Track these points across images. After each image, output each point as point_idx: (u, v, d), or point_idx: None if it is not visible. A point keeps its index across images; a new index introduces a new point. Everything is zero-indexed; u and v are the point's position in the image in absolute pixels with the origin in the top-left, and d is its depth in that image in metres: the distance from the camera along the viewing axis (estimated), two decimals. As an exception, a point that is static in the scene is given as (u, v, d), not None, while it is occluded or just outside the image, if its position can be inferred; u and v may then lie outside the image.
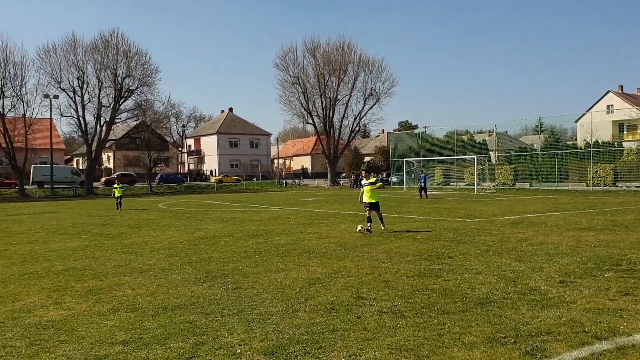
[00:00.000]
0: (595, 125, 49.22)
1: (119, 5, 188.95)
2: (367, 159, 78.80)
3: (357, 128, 72.85)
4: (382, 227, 15.85)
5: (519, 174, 49.04)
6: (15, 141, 53.04)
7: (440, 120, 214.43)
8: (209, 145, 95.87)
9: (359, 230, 15.02)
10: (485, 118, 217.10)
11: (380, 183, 16.65)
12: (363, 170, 19.13)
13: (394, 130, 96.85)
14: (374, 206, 15.80)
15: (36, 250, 13.65)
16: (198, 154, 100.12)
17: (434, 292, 7.85)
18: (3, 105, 52.56)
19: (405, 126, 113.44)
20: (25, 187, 54.97)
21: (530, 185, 46.32)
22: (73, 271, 10.47)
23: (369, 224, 15.40)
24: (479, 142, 62.40)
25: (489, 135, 72.93)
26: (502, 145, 62.56)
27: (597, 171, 43.13)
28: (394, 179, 58.20)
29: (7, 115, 53.12)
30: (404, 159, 52.71)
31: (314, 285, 8.53)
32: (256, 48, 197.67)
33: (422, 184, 35.71)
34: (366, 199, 15.92)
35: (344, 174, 76.35)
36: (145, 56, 59.48)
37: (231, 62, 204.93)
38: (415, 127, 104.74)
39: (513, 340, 5.64)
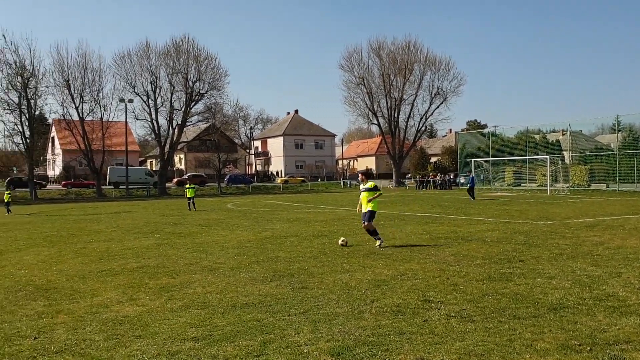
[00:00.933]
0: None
1: (189, 10, 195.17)
2: (433, 159, 77.57)
3: (424, 128, 71.93)
4: (377, 245, 12.83)
5: (595, 174, 46.88)
6: (93, 144, 55.79)
7: (510, 119, 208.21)
8: (275, 146, 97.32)
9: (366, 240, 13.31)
10: (558, 117, 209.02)
11: (380, 192, 13.33)
12: (359, 172, 14.99)
13: (462, 130, 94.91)
14: (367, 216, 13.08)
15: (112, 248, 14.30)
16: (265, 155, 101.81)
17: (505, 297, 7.63)
18: (82, 109, 55.49)
19: (474, 125, 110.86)
20: (102, 187, 57.67)
21: (607, 187, 44.19)
22: (147, 269, 10.90)
23: (377, 238, 13.01)
24: (552, 141, 60.08)
25: (563, 135, 70.05)
26: (576, 145, 60.05)
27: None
28: (461, 179, 57.03)
29: (86, 119, 55.95)
30: (473, 159, 51.54)
31: (380, 287, 8.49)
32: (321, 50, 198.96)
33: (471, 185, 35.27)
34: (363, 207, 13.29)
35: (409, 175, 75.52)
36: (215, 60, 61.19)
37: (297, 64, 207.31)
38: (485, 126, 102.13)
39: (589, 348, 5.40)
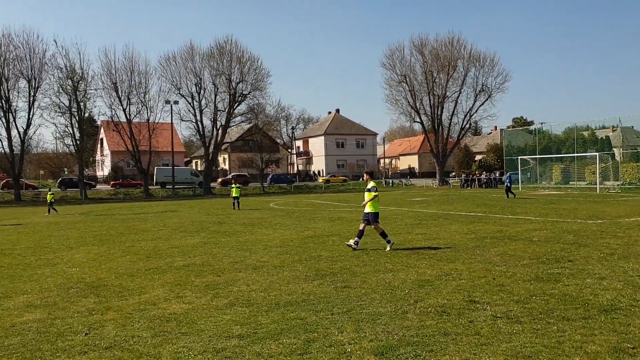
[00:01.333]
0: None
1: (232, 11, 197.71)
2: (478, 157, 76.33)
3: (468, 125, 70.72)
4: (388, 247, 12.46)
5: (648, 172, 45.14)
6: (140, 144, 57.24)
7: (558, 115, 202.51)
8: (317, 146, 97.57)
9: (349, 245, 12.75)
10: (608, 112, 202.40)
11: (376, 193, 12.88)
12: (365, 172, 14.74)
13: (508, 127, 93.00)
14: (369, 217, 12.86)
15: (160, 247, 14.63)
16: (306, 155, 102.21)
17: (553, 298, 7.44)
18: (129, 111, 57.01)
19: (520, 122, 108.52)
20: (149, 187, 59.06)
21: (661, 185, 42.50)
22: (193, 267, 11.11)
23: (387, 241, 12.60)
24: (601, 138, 58.27)
25: (613, 131, 67.79)
26: (627, 142, 57.90)
27: None
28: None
29: (133, 120, 57.45)
30: (519, 157, 50.43)
31: (424, 287, 8.41)
32: (362, 48, 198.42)
33: (508, 184, 34.81)
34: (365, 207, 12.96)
35: (453, 173, 74.49)
36: (257, 61, 61.83)
37: (338, 63, 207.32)
38: (531, 123, 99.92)
39: (643, 352, 5.21)
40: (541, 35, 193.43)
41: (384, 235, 12.81)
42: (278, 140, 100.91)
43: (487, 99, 66.04)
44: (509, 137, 64.12)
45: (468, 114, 67.31)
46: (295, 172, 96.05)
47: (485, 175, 59.86)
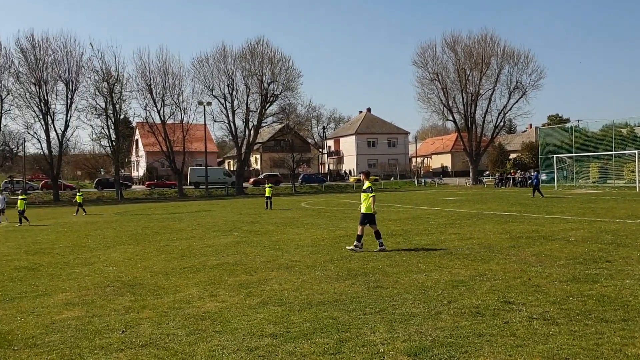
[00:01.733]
0: None
1: (263, 11, 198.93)
2: (512, 155, 75.07)
3: (502, 123, 69.63)
4: (379, 247, 12.45)
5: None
6: (175, 145, 58.09)
7: (595, 112, 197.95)
8: (348, 145, 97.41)
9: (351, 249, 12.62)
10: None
11: (373, 194, 12.85)
12: (361, 172, 14.39)
13: (543, 125, 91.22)
14: (366, 218, 12.79)
15: (193, 246, 14.83)
16: (337, 155, 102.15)
17: (591, 299, 7.27)
18: (164, 112, 57.91)
19: (556, 120, 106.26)
20: (183, 187, 59.89)
21: None
22: (226, 266, 11.22)
23: (356, 243, 12.67)
24: (641, 135, 56.58)
25: (653, 128, 65.83)
26: (668, 139, 56.12)
27: None
28: (543, 176, 54.84)
29: (167, 121, 58.34)
30: (555, 155, 49.42)
31: (457, 287, 8.31)
32: (393, 46, 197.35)
33: (535, 183, 34.70)
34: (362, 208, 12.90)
35: (487, 172, 73.42)
36: (288, 61, 62.06)
37: (369, 62, 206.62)
38: (567, 120, 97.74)
39: (687, 356, 5.05)
40: (577, 30, 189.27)
41: (378, 236, 12.68)
42: (309, 140, 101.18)
43: (521, 97, 64.90)
44: (544, 135, 62.86)
45: (502, 112, 66.28)
46: (326, 171, 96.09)
47: (520, 174, 58.84)
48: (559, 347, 5.43)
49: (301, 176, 73.71)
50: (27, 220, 25.68)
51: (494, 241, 13.43)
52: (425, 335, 5.97)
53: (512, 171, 62.68)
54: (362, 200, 13.06)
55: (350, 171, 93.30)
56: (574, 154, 50.16)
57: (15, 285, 9.93)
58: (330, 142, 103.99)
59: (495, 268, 9.78)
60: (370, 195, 12.86)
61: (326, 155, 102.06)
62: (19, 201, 25.92)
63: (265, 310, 7.35)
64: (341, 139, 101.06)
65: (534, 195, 33.60)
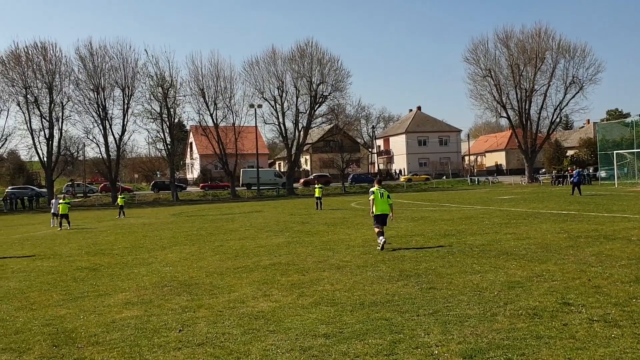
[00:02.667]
0: None
1: (312, 13, 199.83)
2: (570, 152, 72.72)
3: (558, 119, 67.48)
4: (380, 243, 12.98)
5: None
6: (227, 148, 59.24)
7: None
8: (398, 144, 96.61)
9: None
10: None
11: (371, 197, 13.47)
12: (376, 180, 14.92)
13: (602, 120, 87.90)
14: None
15: (246, 246, 15.05)
16: (387, 154, 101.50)
17: (656, 301, 6.96)
18: (216, 115, 59.11)
19: (615, 115, 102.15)
20: (236, 188, 60.90)
21: None
22: (278, 266, 11.34)
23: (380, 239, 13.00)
24: None
25: None
26: None
27: None
28: (602, 174, 52.87)
29: (220, 124, 59.46)
30: (614, 152, 47.53)
31: (514, 288, 8.12)
32: (443, 43, 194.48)
33: (575, 181, 33.65)
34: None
35: (543, 170, 71.32)
36: (337, 62, 62.23)
37: (419, 59, 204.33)
38: (627, 115, 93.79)
39: None
40: (636, 20, 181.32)
41: (381, 234, 13.02)
42: (358, 140, 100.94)
43: (578, 91, 62.76)
44: (603, 131, 60.52)
45: (558, 108, 64.26)
46: (376, 171, 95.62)
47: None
48: (622, 350, 5.23)
49: (351, 176, 73.61)
50: (69, 224, 25.42)
51: (551, 241, 13.04)
52: (481, 337, 5.86)
53: (569, 168, 60.66)
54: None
55: (400, 170, 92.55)
56: (635, 150, 48.09)
57: (78, 285, 10.33)
58: (379, 142, 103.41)
59: (553, 269, 9.50)
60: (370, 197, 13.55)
61: (376, 154, 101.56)
62: (60, 206, 25.61)
63: (317, 310, 7.38)
64: (391, 138, 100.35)
65: (580, 193, 32.41)
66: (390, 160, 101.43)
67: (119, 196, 35.91)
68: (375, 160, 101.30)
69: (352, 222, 21.50)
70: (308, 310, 7.41)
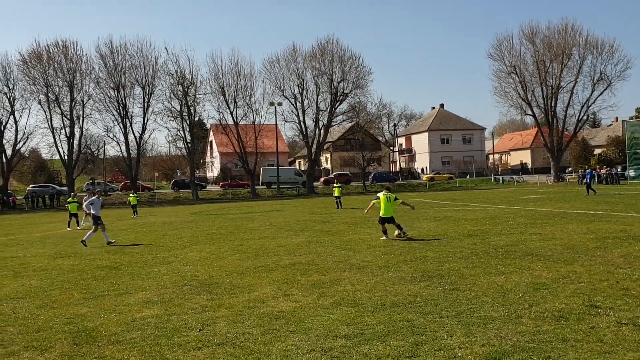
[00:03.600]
0: None
1: (332, 9, 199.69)
2: (597, 151, 71.61)
3: (585, 117, 66.44)
4: (383, 237, 15.23)
5: None
6: (247, 146, 59.47)
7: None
8: (420, 143, 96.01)
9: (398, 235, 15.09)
10: None
11: (374, 200, 16.21)
12: (385, 187, 17.20)
13: (631, 118, 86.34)
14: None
15: (266, 245, 15.11)
16: (409, 152, 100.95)
17: (688, 305, 6.82)
18: (236, 114, 59.39)
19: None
20: (256, 187, 61.15)
21: None
22: (299, 265, 11.37)
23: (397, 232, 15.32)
24: None
25: None
26: None
27: None
28: (631, 172, 51.96)
29: (240, 122, 59.75)
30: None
31: (539, 290, 8.03)
32: (466, 39, 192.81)
33: (587, 181, 33.96)
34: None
35: (570, 169, 70.34)
36: (358, 59, 62.09)
37: (441, 56, 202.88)
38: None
39: None
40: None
41: (384, 233, 15.22)
42: (380, 138, 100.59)
43: (606, 88, 61.69)
44: (632, 129, 59.44)
45: (585, 105, 63.24)
46: (397, 170, 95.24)
47: (606, 170, 56.02)
48: (652, 355, 5.14)
49: (372, 175, 73.42)
50: (78, 224, 25.36)
51: (578, 242, 12.86)
52: (505, 339, 5.81)
53: (597, 167, 59.79)
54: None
55: (422, 169, 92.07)
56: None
57: (98, 284, 10.48)
58: (401, 140, 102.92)
59: (579, 270, 9.37)
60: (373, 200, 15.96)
61: (397, 153, 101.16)
62: (70, 205, 25.53)
63: (338, 311, 7.39)
64: (413, 136, 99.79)
65: (588, 193, 32.53)
66: (412, 158, 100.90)
67: (131, 195, 36.23)
68: (397, 158, 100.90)
69: (374, 221, 21.40)
70: (329, 311, 7.42)
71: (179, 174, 78.08)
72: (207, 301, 8.45)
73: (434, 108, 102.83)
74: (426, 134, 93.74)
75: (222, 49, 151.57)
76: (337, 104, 61.82)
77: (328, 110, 61.76)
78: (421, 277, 9.48)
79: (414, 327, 6.47)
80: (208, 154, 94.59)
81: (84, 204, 19.57)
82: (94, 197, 18.43)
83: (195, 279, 10.43)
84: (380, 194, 15.65)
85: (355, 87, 61.68)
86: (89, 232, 17.66)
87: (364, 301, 7.89)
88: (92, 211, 17.87)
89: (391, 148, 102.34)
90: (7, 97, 55.73)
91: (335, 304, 7.82)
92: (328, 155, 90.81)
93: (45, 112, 56.59)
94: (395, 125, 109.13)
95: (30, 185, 64.46)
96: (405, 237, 15.02)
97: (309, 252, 13.29)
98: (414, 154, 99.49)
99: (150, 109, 57.90)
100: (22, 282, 11.04)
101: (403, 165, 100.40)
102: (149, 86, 57.24)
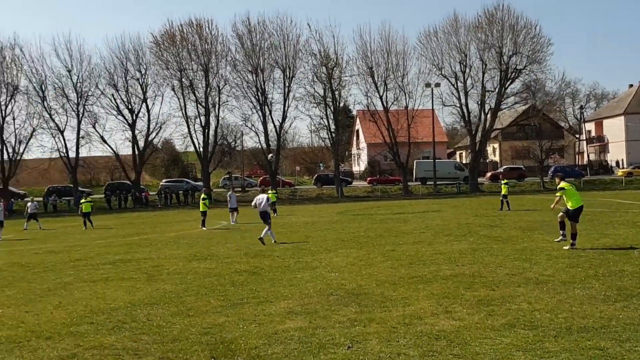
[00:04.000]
0: None
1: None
2: None
3: None
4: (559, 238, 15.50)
5: None
6: (398, 135, 59.51)
7: None
8: (614, 129, 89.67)
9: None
10: None
11: (557, 194, 15.82)
12: (556, 176, 17.27)
13: None
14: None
15: (422, 252, 15.09)
16: (600, 141, 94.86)
17: None
18: (386, 98, 59.63)
19: None
20: (408, 183, 61.03)
21: None
22: (462, 277, 11.22)
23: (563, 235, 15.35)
24: None
25: None
26: None
27: None
28: None
29: (390, 108, 59.91)
30: None
31: None
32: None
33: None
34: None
35: None
36: (535, 28, 59.35)
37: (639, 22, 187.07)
38: None
39: None
40: None
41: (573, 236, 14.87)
42: (562, 124, 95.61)
43: None
44: None
45: None
46: (585, 163, 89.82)
47: None
48: None
49: (552, 169, 69.92)
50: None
51: None
52: None
53: None
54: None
55: (617, 162, 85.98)
56: None
57: (237, 290, 11.14)
58: (589, 126, 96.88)
59: None
60: (558, 194, 15.55)
61: (585, 142, 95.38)
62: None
63: (512, 334, 7.19)
64: (605, 121, 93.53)
65: None
66: (603, 149, 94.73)
67: (269, 192, 35.35)
68: (585, 148, 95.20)
69: (555, 226, 20.44)
70: (500, 333, 7.25)
71: (322, 168, 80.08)
72: (356, 314, 8.63)
73: (632, 86, 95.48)
74: (622, 117, 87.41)
75: (372, 22, 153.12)
76: (508, 82, 59.74)
77: (496, 90, 59.95)
78: (617, 296, 8.97)
79: (608, 356, 6.18)
80: (354, 145, 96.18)
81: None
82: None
83: (342, 288, 10.70)
84: (563, 184, 15.54)
85: (530, 62, 59.11)
86: (264, 230, 18.88)
87: (545, 323, 7.60)
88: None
89: (576, 136, 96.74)
90: (139, 83, 59.36)
91: (508, 325, 7.62)
92: (496, 145, 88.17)
93: (179, 99, 59.65)
94: (581, 107, 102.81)
95: (164, 180, 68.16)
96: (570, 244, 14.74)
97: (473, 262, 13.05)
98: (606, 143, 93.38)
99: (291, 95, 59.86)
100: (156, 287, 12.02)
101: (592, 157, 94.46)
102: (289, 68, 59.08)
